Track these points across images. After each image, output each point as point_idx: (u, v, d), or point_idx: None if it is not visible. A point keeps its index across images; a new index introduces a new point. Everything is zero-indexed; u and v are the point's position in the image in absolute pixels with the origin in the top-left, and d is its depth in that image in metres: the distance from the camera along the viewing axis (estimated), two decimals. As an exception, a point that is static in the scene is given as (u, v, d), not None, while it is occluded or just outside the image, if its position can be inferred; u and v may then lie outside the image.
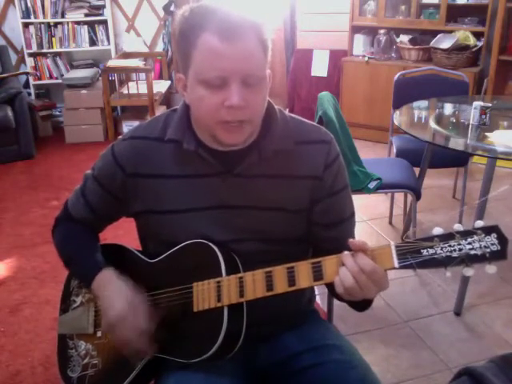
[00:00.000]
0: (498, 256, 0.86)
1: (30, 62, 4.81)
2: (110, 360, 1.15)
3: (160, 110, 4.58)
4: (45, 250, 2.77)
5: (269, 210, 1.08)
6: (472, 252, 0.87)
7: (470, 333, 2.16)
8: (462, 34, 4.00)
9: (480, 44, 4.03)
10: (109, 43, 4.92)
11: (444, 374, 1.92)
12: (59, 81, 4.78)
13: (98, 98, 4.47)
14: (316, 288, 1.35)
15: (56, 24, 4.76)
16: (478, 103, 2.33)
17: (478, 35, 4.03)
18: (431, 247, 0.88)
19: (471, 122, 2.35)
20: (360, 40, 4.56)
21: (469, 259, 0.87)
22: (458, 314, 2.27)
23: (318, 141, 1.10)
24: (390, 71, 4.01)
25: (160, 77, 5.11)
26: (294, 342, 1.16)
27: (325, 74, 4.80)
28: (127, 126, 4.56)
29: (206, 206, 1.08)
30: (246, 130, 1.00)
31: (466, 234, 0.88)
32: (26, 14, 4.65)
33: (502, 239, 0.87)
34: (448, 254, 0.87)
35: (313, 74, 4.85)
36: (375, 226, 3.04)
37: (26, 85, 4.87)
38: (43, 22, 4.71)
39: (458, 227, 0.89)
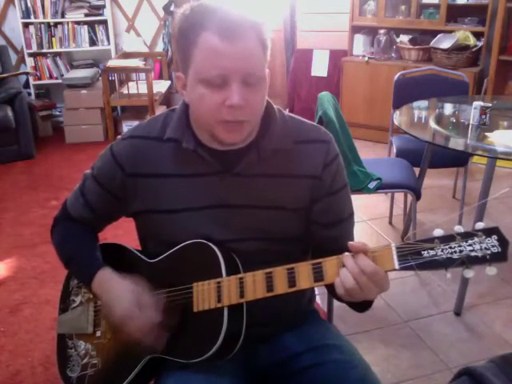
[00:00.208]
0: (498, 258, 0.86)
1: (30, 61, 4.81)
2: (110, 360, 1.14)
3: (160, 110, 4.58)
4: (45, 249, 2.77)
5: (268, 208, 1.08)
6: (472, 254, 0.87)
7: (470, 333, 2.16)
8: (462, 33, 4.00)
9: (480, 44, 4.03)
10: (109, 43, 4.92)
11: (444, 374, 1.92)
12: (59, 81, 4.78)
13: (98, 98, 4.47)
14: (316, 288, 1.34)
15: (56, 24, 4.76)
16: (477, 103, 2.33)
17: (478, 35, 4.03)
18: (432, 249, 0.88)
19: (471, 122, 2.35)
20: (360, 40, 4.56)
21: (469, 261, 0.87)
22: (458, 314, 2.27)
23: (317, 140, 1.10)
24: (390, 71, 4.01)
25: (160, 77, 5.11)
26: (294, 342, 1.16)
27: (325, 74, 4.80)
28: (127, 126, 4.56)
29: (205, 205, 1.08)
30: (246, 129, 1.00)
31: (467, 235, 0.88)
32: (26, 14, 4.65)
33: (503, 241, 0.87)
34: (448, 255, 0.87)
35: (313, 73, 4.86)
36: (375, 226, 3.04)
37: (26, 85, 4.87)
38: (43, 22, 4.71)
39: (458, 229, 0.89)
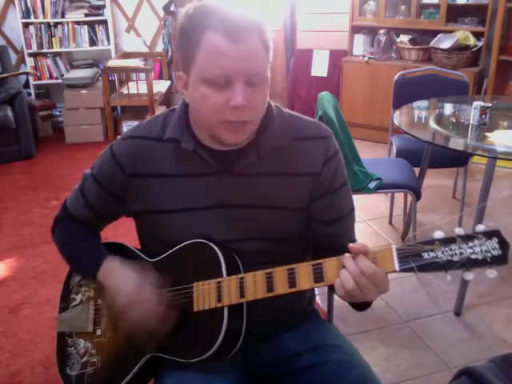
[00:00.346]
0: (498, 261, 0.86)
1: (29, 61, 4.81)
2: (109, 358, 1.15)
3: (160, 110, 4.58)
4: (45, 249, 2.77)
5: (268, 208, 1.08)
6: (473, 256, 0.86)
7: (470, 333, 2.16)
8: (462, 33, 4.00)
9: (480, 44, 4.03)
10: (109, 43, 4.92)
11: (444, 373, 1.92)
12: (59, 81, 4.78)
13: (98, 98, 4.47)
14: (316, 288, 1.35)
15: (56, 24, 4.76)
16: (478, 103, 2.33)
17: (478, 35, 4.03)
18: (432, 251, 0.88)
19: (471, 122, 2.35)
20: (360, 40, 4.56)
21: (469, 263, 0.87)
22: (458, 313, 2.27)
23: (317, 136, 1.10)
24: (390, 71, 4.00)
25: (160, 77, 5.11)
26: (294, 342, 1.16)
27: (325, 74, 4.80)
28: (127, 126, 4.56)
29: (206, 205, 1.08)
30: (248, 130, 1.00)
31: (467, 238, 0.88)
32: (26, 13, 4.65)
33: (504, 244, 0.87)
34: (449, 257, 0.87)
35: (313, 73, 4.85)
36: (375, 226, 3.04)
37: (26, 85, 4.87)
38: (43, 22, 4.71)
39: (459, 231, 0.89)
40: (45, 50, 4.80)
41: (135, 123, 4.23)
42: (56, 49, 4.83)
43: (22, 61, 4.91)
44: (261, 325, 1.09)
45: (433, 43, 4.09)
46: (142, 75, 4.38)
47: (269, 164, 1.07)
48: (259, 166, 1.06)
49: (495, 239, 0.87)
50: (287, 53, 5.12)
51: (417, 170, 2.66)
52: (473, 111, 2.34)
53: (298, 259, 1.00)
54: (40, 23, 4.71)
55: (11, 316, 2.29)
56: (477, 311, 2.29)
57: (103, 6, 4.80)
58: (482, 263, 0.86)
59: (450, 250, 0.87)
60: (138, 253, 1.19)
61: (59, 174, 3.93)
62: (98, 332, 1.17)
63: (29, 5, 4.61)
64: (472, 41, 3.99)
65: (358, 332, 2.14)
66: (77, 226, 1.22)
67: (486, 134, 2.25)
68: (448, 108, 2.82)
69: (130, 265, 1.11)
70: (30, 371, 1.96)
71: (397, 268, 0.90)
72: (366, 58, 4.38)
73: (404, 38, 4.31)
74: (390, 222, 3.08)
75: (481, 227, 0.88)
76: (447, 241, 0.88)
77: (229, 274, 1.01)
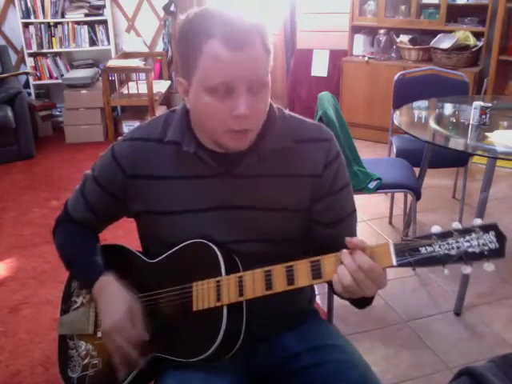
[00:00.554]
0: (496, 254, 0.86)
1: (29, 61, 4.80)
2: (111, 360, 1.14)
3: (160, 110, 4.58)
4: (45, 249, 2.77)
5: (269, 210, 1.08)
6: (470, 250, 0.87)
7: (470, 333, 2.16)
8: (462, 33, 4.00)
9: (480, 44, 4.03)
10: (109, 43, 4.92)
11: (444, 373, 1.92)
12: (59, 81, 4.78)
13: (98, 98, 4.47)
14: (316, 288, 1.35)
15: (56, 24, 4.76)
16: (478, 103, 2.33)
17: (478, 35, 4.03)
18: (429, 245, 0.88)
19: (471, 122, 2.35)
20: (360, 40, 4.56)
21: (467, 257, 0.87)
22: (458, 314, 2.27)
23: (318, 139, 1.10)
24: (390, 71, 4.00)
25: (160, 77, 5.11)
26: (294, 341, 1.16)
27: (325, 74, 4.80)
28: (127, 126, 4.57)
29: (206, 207, 1.08)
30: (250, 137, 1.00)
31: (465, 231, 0.88)
32: (26, 13, 4.65)
33: (501, 237, 0.87)
34: (446, 251, 0.87)
35: (313, 74, 4.85)
36: (375, 226, 3.04)
37: (26, 85, 4.87)
38: (43, 22, 4.71)
39: (456, 225, 0.89)
40: (45, 50, 4.80)
41: (135, 123, 4.25)
42: (56, 49, 4.83)
43: (22, 61, 4.91)
44: (261, 325, 1.09)
45: (433, 43, 4.10)
46: (142, 75, 4.38)
47: (270, 166, 1.06)
48: (260, 167, 1.06)
49: (492, 233, 0.87)
50: (287, 53, 5.13)
51: (417, 170, 2.66)
52: (473, 111, 2.34)
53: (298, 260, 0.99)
54: (40, 23, 4.71)
55: (11, 316, 2.29)
56: (477, 311, 2.29)
57: (103, 6, 4.80)
58: (480, 256, 0.86)
59: (448, 243, 0.88)
60: (138, 254, 1.19)
61: (59, 173, 3.93)
62: (99, 334, 1.17)
63: (29, 5, 4.61)
64: (472, 41, 3.99)
65: (358, 332, 2.14)
66: (77, 229, 1.22)
67: (486, 134, 2.25)
68: (448, 108, 2.82)
69: (124, 288, 1.11)
70: (30, 371, 1.96)
71: (394, 263, 0.90)
72: (366, 58, 4.38)
73: (404, 38, 4.31)
74: (390, 222, 3.08)
75: (478, 221, 0.89)
76: (444, 235, 0.88)
77: (228, 273, 1.02)
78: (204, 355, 0.99)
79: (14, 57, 4.85)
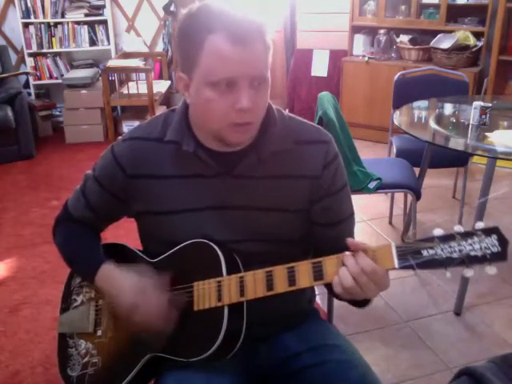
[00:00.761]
0: (498, 257, 0.86)
1: (29, 62, 4.80)
2: (110, 359, 1.15)
3: (160, 110, 4.58)
4: (45, 249, 2.77)
5: (268, 210, 1.08)
6: (472, 253, 0.87)
7: (470, 333, 2.16)
8: (462, 34, 4.00)
9: (480, 44, 4.03)
10: (109, 43, 4.92)
11: (444, 374, 1.92)
12: (59, 81, 4.78)
13: (98, 98, 4.47)
14: (316, 288, 1.35)
15: (56, 24, 4.76)
16: (478, 103, 2.33)
17: (478, 35, 4.03)
18: (431, 248, 0.88)
19: (471, 122, 2.35)
20: (360, 40, 4.56)
21: (469, 260, 0.87)
22: (458, 313, 2.27)
23: (317, 141, 1.10)
24: (390, 71, 4.01)
25: (160, 77, 5.11)
26: (294, 341, 1.16)
27: (325, 74, 4.80)
28: (127, 126, 4.56)
29: (206, 206, 1.08)
30: (252, 130, 1.01)
31: (467, 235, 0.88)
32: (26, 13, 4.65)
33: (503, 240, 0.87)
34: (448, 254, 0.88)
35: (313, 73, 4.85)
36: (375, 226, 3.04)
37: (26, 85, 4.87)
38: (43, 22, 4.71)
39: (458, 228, 0.89)
40: (45, 50, 4.80)
41: (135, 123, 4.25)
42: (56, 49, 4.83)
43: (22, 61, 4.91)
44: (261, 325, 1.09)
45: (433, 43, 4.10)
46: (142, 75, 4.38)
47: (269, 167, 1.07)
48: (259, 168, 1.06)
49: (494, 236, 0.87)
50: (287, 53, 5.13)
51: (417, 170, 2.66)
52: (473, 111, 2.34)
53: (299, 261, 0.99)
54: (40, 23, 4.71)
55: (11, 316, 2.29)
56: (477, 311, 2.29)
57: (103, 6, 4.80)
58: (482, 260, 0.87)
59: (450, 247, 0.88)
60: (139, 253, 1.19)
61: (59, 173, 3.93)
62: (99, 332, 1.18)
63: (29, 5, 4.61)
64: (472, 41, 3.99)
65: (358, 332, 2.14)
66: (77, 227, 1.23)
67: (486, 134, 2.25)
68: (448, 108, 2.82)
69: (129, 268, 1.11)
70: (30, 371, 1.96)
71: (396, 265, 0.90)
72: (366, 58, 4.38)
73: (404, 38, 4.31)
74: (390, 222, 3.08)
75: (480, 224, 0.89)
76: (446, 238, 0.89)
77: (229, 273, 1.02)
78: (204, 355, 0.99)
79: (14, 57, 4.85)
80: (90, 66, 4.97)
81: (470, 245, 0.87)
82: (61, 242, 1.24)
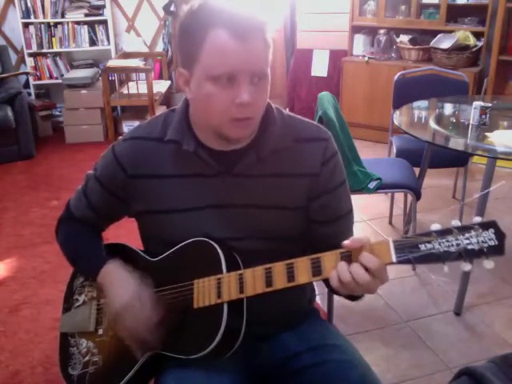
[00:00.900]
0: (495, 251, 0.86)
1: (29, 61, 4.81)
2: (111, 357, 1.15)
3: (160, 110, 4.58)
4: (45, 249, 2.77)
5: (268, 208, 1.08)
6: (470, 247, 0.87)
7: (470, 333, 2.16)
8: (462, 33, 4.00)
9: (480, 44, 4.03)
10: (109, 43, 4.92)
11: (444, 374, 1.92)
12: (59, 81, 4.79)
13: (98, 98, 4.47)
14: (316, 288, 1.35)
15: (56, 24, 4.76)
16: (478, 103, 2.33)
17: (478, 35, 4.04)
18: (429, 242, 0.88)
19: (471, 122, 2.35)
20: (360, 40, 4.56)
21: (466, 254, 0.87)
22: (458, 313, 2.27)
23: (316, 138, 1.10)
24: (390, 71, 4.01)
25: (160, 77, 5.11)
26: (294, 341, 1.16)
27: (325, 74, 4.80)
28: (127, 126, 4.57)
29: (206, 205, 1.08)
30: (252, 125, 1.01)
31: (464, 229, 0.88)
32: (26, 13, 4.65)
33: (500, 234, 0.87)
34: (446, 249, 0.88)
35: (313, 74, 4.86)
36: (375, 226, 3.04)
37: (26, 85, 4.87)
38: (43, 22, 4.71)
39: (455, 223, 0.90)
40: (45, 50, 4.80)
41: (135, 123, 4.25)
42: (56, 49, 4.83)
43: (22, 61, 4.91)
44: (261, 324, 1.09)
45: (433, 43, 4.10)
46: (142, 75, 4.38)
47: (269, 165, 1.07)
48: (259, 167, 1.07)
49: (492, 230, 0.87)
50: (287, 53, 5.13)
51: (417, 170, 2.66)
52: (473, 111, 2.34)
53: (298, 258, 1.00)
54: (40, 23, 4.71)
55: (11, 316, 2.29)
56: (477, 311, 2.29)
57: (103, 6, 4.80)
58: (479, 254, 0.87)
59: (447, 241, 0.88)
60: (140, 253, 1.20)
61: (59, 173, 3.93)
62: (100, 331, 1.18)
63: (29, 5, 4.61)
64: (472, 41, 3.99)
65: (358, 332, 2.14)
66: (79, 226, 1.24)
67: (486, 134, 2.25)
68: (448, 108, 2.82)
69: (129, 271, 1.12)
70: (30, 371, 1.96)
71: (394, 259, 0.90)
72: (366, 58, 4.38)
73: (404, 38, 4.31)
74: (390, 222, 3.08)
75: (477, 219, 0.89)
76: (444, 232, 0.89)
77: (229, 270, 1.02)
78: (204, 352, 0.99)
79: (14, 57, 4.85)
80: (90, 66, 4.97)
81: (468, 239, 0.87)
82: (63, 241, 1.25)
